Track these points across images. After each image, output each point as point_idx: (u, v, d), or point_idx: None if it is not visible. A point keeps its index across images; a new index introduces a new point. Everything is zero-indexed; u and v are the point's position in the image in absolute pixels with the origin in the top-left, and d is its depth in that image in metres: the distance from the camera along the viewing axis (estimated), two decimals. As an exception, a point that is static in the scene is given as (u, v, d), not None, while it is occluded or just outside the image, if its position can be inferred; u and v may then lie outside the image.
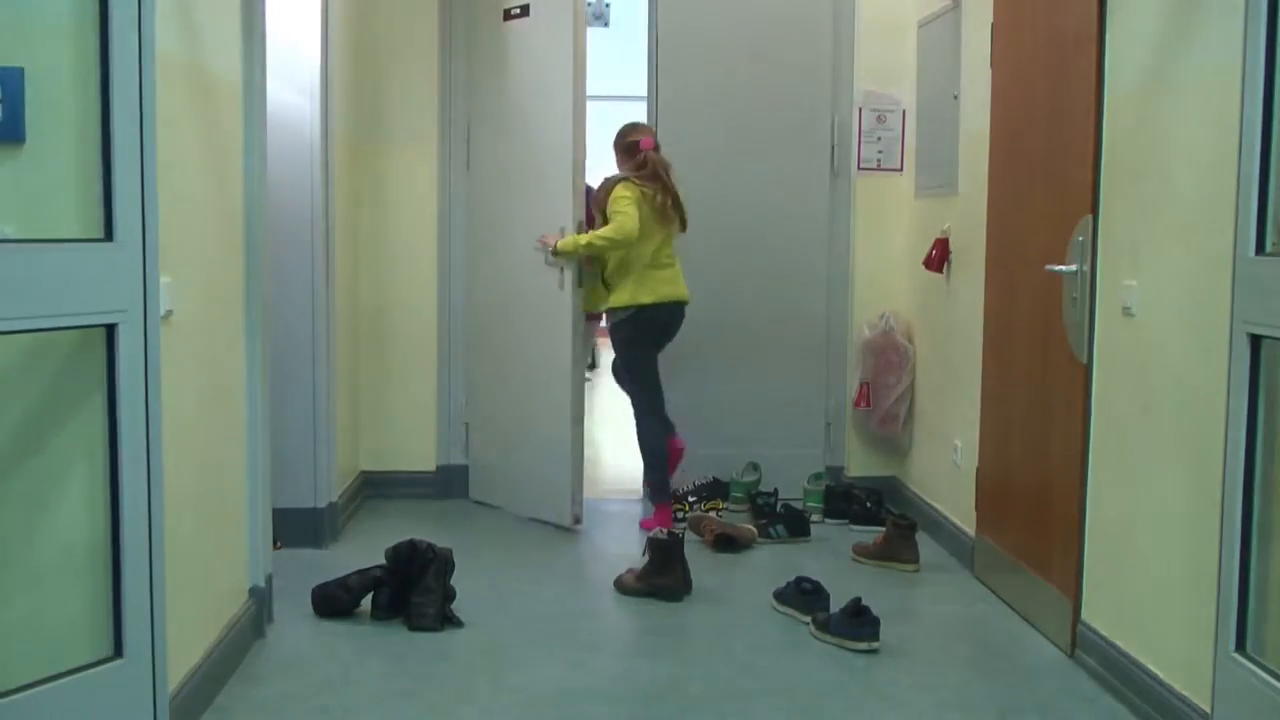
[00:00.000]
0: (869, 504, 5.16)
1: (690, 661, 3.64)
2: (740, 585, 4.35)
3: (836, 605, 3.81)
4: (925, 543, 4.75)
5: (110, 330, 2.50)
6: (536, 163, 5.11)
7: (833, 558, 4.70)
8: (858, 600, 3.71)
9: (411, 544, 3.88)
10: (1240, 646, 2.67)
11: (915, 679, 3.51)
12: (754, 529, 4.92)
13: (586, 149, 5.04)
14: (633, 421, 5.24)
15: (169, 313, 2.81)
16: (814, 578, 4.02)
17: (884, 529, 4.70)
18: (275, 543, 3.94)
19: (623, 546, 4.84)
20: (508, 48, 5.25)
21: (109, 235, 2.47)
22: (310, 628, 3.82)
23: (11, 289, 2.31)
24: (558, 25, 4.97)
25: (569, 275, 5.01)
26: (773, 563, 4.61)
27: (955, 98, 4.79)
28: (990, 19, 4.37)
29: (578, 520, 5.10)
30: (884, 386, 5.39)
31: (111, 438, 2.52)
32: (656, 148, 5.12)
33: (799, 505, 5.19)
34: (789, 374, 5.62)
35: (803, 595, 3.95)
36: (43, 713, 2.41)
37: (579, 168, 5.00)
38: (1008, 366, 4.21)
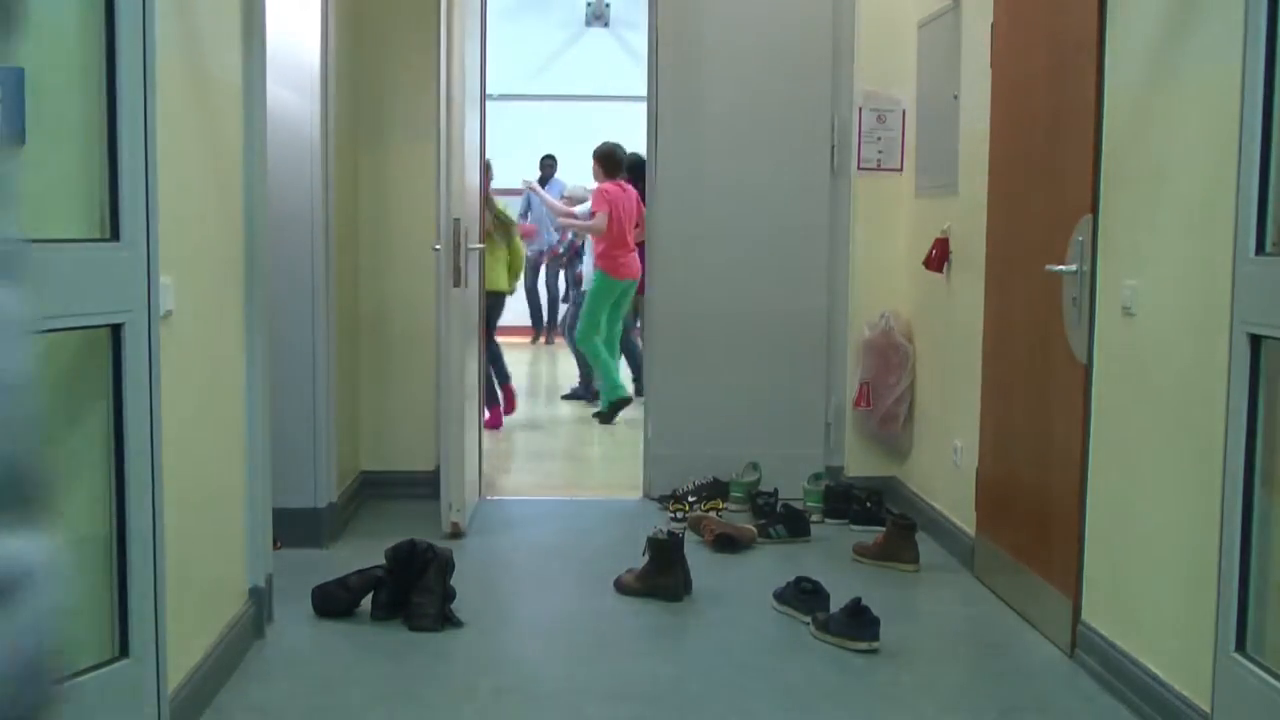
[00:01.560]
0: (869, 504, 5.16)
1: (690, 661, 3.64)
2: (740, 585, 4.35)
3: (836, 605, 3.81)
4: (925, 543, 4.75)
5: (116, 330, 2.50)
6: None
7: (833, 558, 4.70)
8: (858, 600, 3.71)
9: (411, 544, 3.88)
10: (1240, 646, 2.67)
11: (915, 679, 3.51)
12: (754, 529, 4.92)
13: (466, 147, 4.95)
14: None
15: (169, 313, 2.81)
16: (814, 578, 4.02)
17: (884, 529, 4.70)
18: (275, 543, 3.94)
19: (622, 546, 4.83)
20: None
21: (115, 235, 2.48)
22: (310, 628, 3.82)
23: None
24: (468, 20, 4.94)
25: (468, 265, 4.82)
26: (773, 563, 4.61)
27: (955, 98, 4.79)
28: (990, 19, 4.37)
29: (455, 529, 4.82)
30: (884, 386, 5.39)
31: (117, 438, 2.52)
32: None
33: (799, 505, 5.19)
34: (789, 374, 5.62)
35: (803, 595, 3.95)
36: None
37: (448, 165, 4.77)
38: (1008, 366, 4.21)
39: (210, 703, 3.16)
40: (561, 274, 11.63)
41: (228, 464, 3.49)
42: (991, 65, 4.35)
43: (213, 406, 3.33)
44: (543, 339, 12.05)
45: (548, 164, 11.29)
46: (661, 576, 4.16)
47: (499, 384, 7.45)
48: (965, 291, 4.64)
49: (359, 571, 3.96)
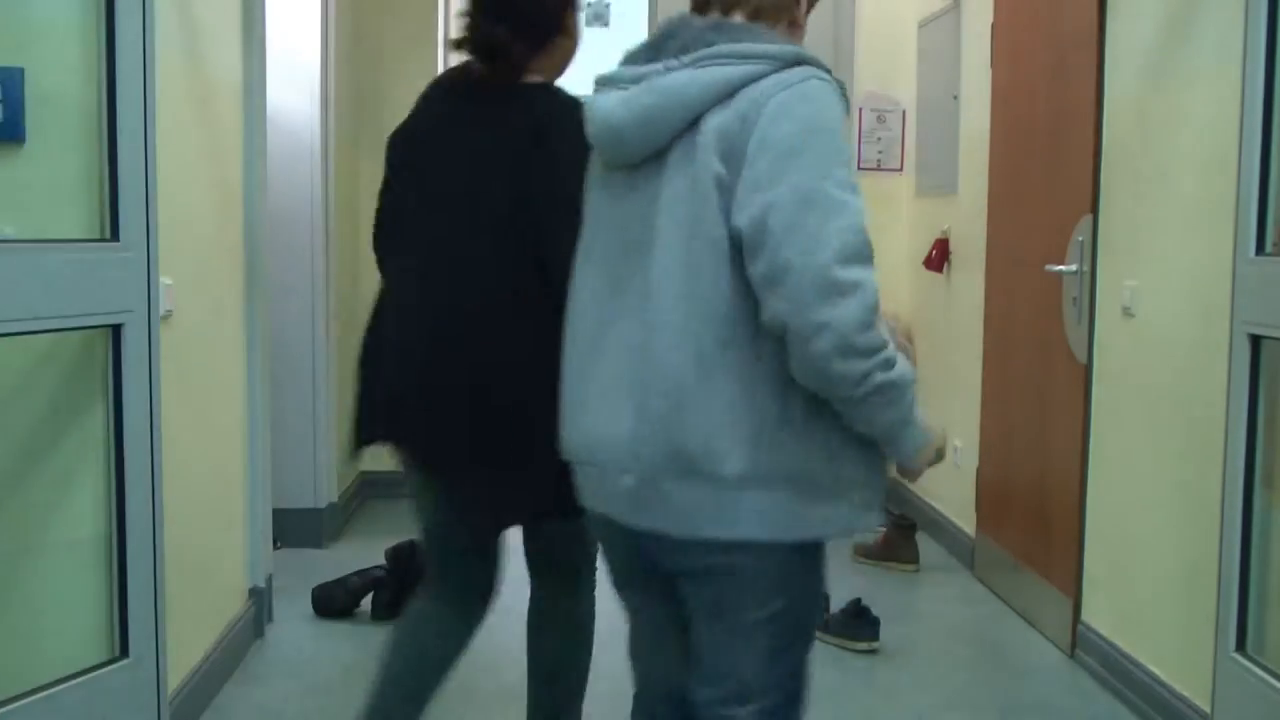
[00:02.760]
0: (869, 504, 5.15)
1: (690, 661, 3.63)
2: (740, 585, 4.34)
3: (836, 605, 3.81)
4: (925, 543, 4.75)
5: (116, 331, 2.49)
6: None
7: (833, 558, 4.66)
8: (858, 600, 3.71)
9: (412, 544, 3.88)
10: (1240, 646, 2.67)
11: (915, 679, 3.51)
12: (754, 529, 4.91)
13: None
14: None
15: (169, 313, 2.81)
16: (814, 578, 4.01)
17: (884, 529, 4.70)
18: (275, 543, 3.94)
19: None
20: None
21: (115, 236, 2.47)
22: (310, 628, 3.82)
23: (23, 289, 2.30)
24: None
25: None
26: (773, 563, 4.60)
27: (955, 98, 4.79)
28: (990, 19, 4.37)
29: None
30: (884, 386, 5.38)
31: (117, 439, 2.52)
32: None
33: (799, 505, 5.18)
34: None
35: (803, 595, 3.95)
36: (52, 713, 2.41)
37: None
38: (1008, 366, 4.21)
39: (210, 703, 3.17)
40: None
41: (228, 464, 3.49)
42: (991, 65, 4.35)
43: (213, 407, 3.33)
44: None
45: None
46: (661, 576, 4.16)
47: None
48: (965, 291, 4.64)
49: (359, 572, 3.96)
